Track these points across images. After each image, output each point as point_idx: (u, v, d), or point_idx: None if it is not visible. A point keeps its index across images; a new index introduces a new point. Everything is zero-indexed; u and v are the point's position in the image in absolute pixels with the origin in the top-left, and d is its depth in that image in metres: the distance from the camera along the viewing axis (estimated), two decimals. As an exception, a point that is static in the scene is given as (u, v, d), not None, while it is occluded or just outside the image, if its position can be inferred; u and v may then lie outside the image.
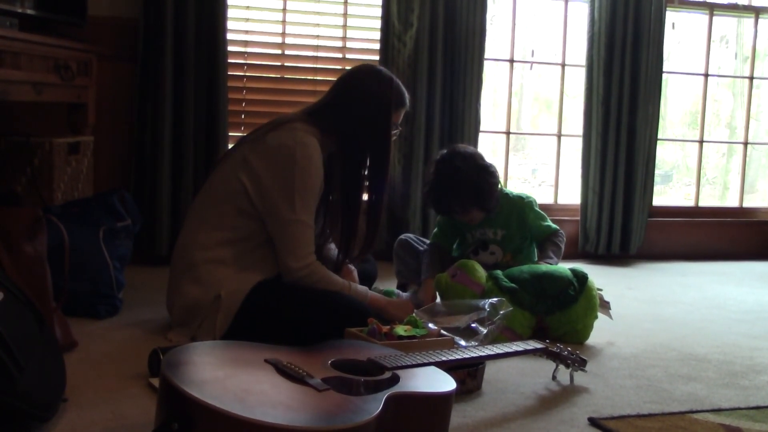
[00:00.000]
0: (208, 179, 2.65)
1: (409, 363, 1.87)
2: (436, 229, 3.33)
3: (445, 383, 1.80)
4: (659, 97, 4.64)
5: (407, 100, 2.75)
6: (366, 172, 2.68)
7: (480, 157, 3.23)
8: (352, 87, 2.68)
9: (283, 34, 4.12)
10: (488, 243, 3.21)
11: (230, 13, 3.89)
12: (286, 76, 4.16)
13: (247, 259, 2.51)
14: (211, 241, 2.50)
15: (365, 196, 2.72)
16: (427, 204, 3.30)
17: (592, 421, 1.99)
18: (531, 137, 7.65)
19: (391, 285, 3.30)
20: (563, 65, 4.78)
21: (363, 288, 2.68)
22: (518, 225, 3.20)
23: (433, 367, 1.90)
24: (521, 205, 3.22)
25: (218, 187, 2.56)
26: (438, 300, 2.88)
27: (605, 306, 2.89)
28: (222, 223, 2.51)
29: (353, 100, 2.65)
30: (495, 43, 4.83)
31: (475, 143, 4.19)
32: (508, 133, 4.75)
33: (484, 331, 2.42)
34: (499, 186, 3.23)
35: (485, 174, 3.15)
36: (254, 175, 2.49)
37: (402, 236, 3.43)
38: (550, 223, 3.23)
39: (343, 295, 2.56)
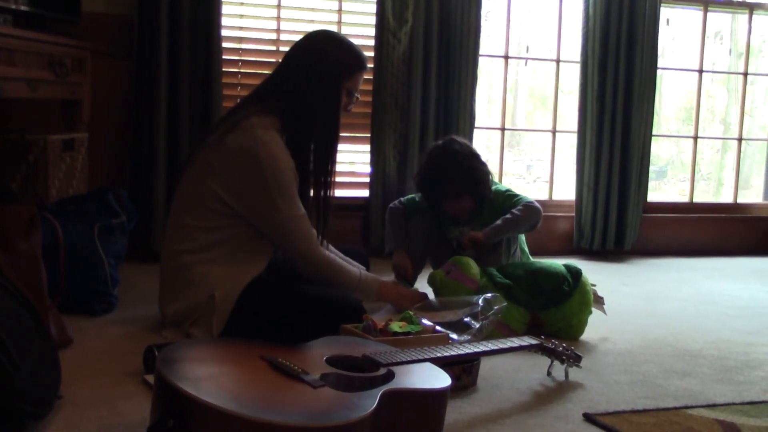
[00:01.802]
0: (179, 186, 2.61)
1: (404, 359, 1.88)
2: (414, 196, 3.35)
3: (441, 379, 1.80)
4: (654, 93, 4.64)
5: (365, 63, 2.67)
6: (319, 144, 2.61)
7: (474, 148, 3.25)
8: (306, 54, 2.63)
9: (278, 30, 4.12)
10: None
11: (225, 9, 3.89)
12: (281, 73, 4.15)
13: (237, 256, 2.50)
14: (197, 245, 2.49)
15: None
16: (420, 191, 3.27)
17: (587, 417, 2.00)
18: (526, 133, 7.68)
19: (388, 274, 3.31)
20: (558, 61, 4.78)
21: (373, 276, 2.71)
22: (496, 216, 3.19)
23: (428, 364, 1.91)
24: (497, 197, 3.20)
25: (191, 194, 2.53)
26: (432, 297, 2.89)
27: (599, 301, 2.90)
28: (204, 226, 2.49)
29: (301, 62, 2.60)
30: (490, 39, 4.85)
31: (470, 139, 4.19)
32: (503, 129, 4.75)
33: (477, 325, 2.42)
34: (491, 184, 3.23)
35: (479, 162, 3.17)
36: (225, 183, 2.46)
37: (393, 204, 3.43)
38: (522, 196, 3.18)
39: (339, 291, 2.57)
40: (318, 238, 2.62)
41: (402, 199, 3.40)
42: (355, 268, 2.69)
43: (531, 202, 3.10)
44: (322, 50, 2.61)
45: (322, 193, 2.63)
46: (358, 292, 2.65)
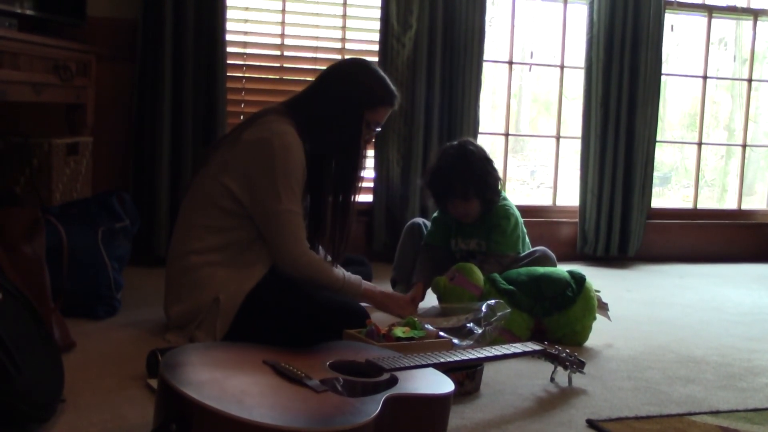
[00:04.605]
0: (192, 185, 2.63)
1: (407, 364, 1.87)
2: (431, 227, 3.31)
3: (444, 385, 1.80)
4: (658, 99, 4.64)
5: (396, 102, 2.67)
6: (335, 169, 2.62)
7: (487, 153, 3.23)
8: (335, 74, 2.66)
9: (282, 35, 4.13)
10: (475, 254, 3.19)
11: (229, 14, 3.90)
12: (285, 77, 4.16)
13: (242, 258, 2.51)
14: (204, 246, 2.49)
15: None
16: (428, 187, 3.22)
17: (591, 423, 1.99)
18: (530, 139, 7.66)
19: (387, 283, 3.30)
20: (562, 67, 4.78)
21: (356, 279, 2.67)
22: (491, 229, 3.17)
23: (431, 369, 1.90)
24: (498, 212, 3.16)
25: (203, 193, 2.54)
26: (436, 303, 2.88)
27: (603, 307, 2.89)
28: (213, 227, 2.50)
29: (329, 82, 2.63)
30: (494, 44, 4.84)
31: (473, 145, 4.19)
32: (507, 134, 4.75)
33: (480, 330, 2.42)
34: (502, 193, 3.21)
35: (491, 167, 3.15)
36: (236, 175, 2.48)
37: (415, 220, 3.40)
38: (509, 243, 3.13)
39: (341, 296, 2.56)
40: (329, 257, 2.65)
41: (426, 237, 3.33)
42: (340, 271, 2.66)
43: (502, 257, 3.08)
44: (354, 74, 2.63)
45: (338, 217, 2.64)
46: (341, 294, 2.61)
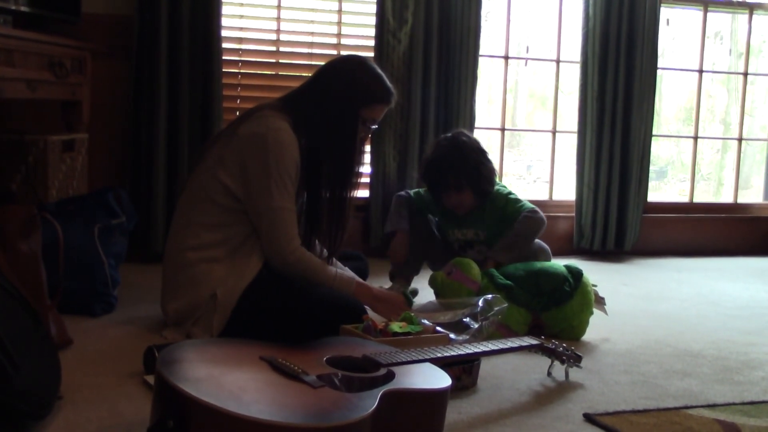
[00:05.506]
0: (189, 181, 2.64)
1: (404, 359, 1.88)
2: (424, 192, 3.32)
3: (441, 380, 1.80)
4: (654, 94, 4.64)
5: (392, 99, 2.67)
6: (331, 165, 2.62)
7: (481, 144, 3.24)
8: (332, 71, 2.65)
9: (278, 31, 4.12)
10: (473, 243, 3.20)
11: (225, 10, 3.89)
12: (280, 73, 4.16)
13: (239, 254, 2.51)
14: (201, 242, 2.49)
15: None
16: (422, 179, 3.24)
17: (587, 417, 2.00)
18: (526, 134, 7.67)
19: (384, 278, 3.30)
20: (558, 62, 4.78)
21: (348, 278, 2.64)
22: (499, 221, 3.17)
23: (428, 364, 1.91)
24: (498, 199, 3.18)
25: (199, 189, 2.54)
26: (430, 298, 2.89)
27: (600, 302, 2.90)
28: (209, 223, 2.50)
29: (326, 77, 2.63)
30: (490, 39, 4.84)
31: (470, 140, 4.19)
32: (503, 129, 4.75)
33: (476, 325, 2.42)
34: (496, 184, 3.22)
35: (485, 158, 3.16)
36: (231, 170, 2.48)
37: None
38: (524, 203, 3.16)
39: (339, 292, 2.56)
40: (325, 252, 2.66)
41: (410, 190, 3.39)
42: (332, 268, 2.64)
43: (532, 213, 3.09)
44: (351, 71, 2.62)
45: (335, 213, 2.64)
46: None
